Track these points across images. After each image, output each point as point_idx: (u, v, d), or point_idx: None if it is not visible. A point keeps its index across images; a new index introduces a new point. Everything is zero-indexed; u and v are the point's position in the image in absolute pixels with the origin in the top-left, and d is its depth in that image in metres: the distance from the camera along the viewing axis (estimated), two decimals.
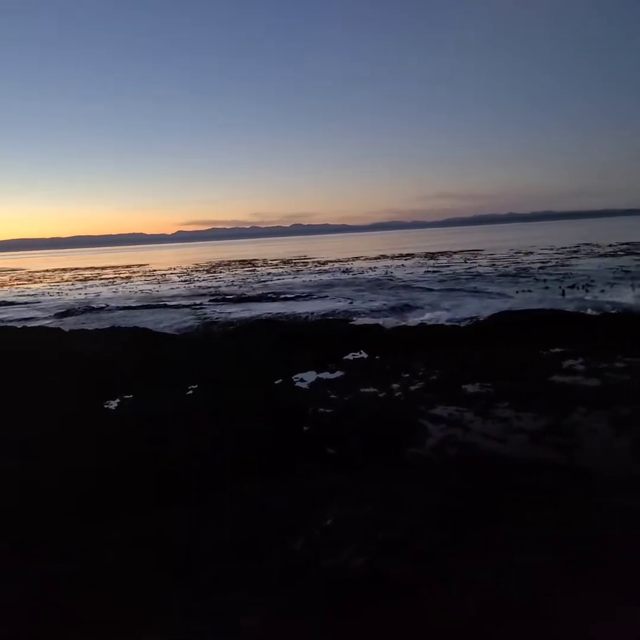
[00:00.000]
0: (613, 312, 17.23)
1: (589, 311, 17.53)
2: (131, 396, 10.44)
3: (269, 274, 46.70)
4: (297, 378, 11.68)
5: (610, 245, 53.30)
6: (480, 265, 40.23)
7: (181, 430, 8.12)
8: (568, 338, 13.43)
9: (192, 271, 55.43)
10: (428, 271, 38.41)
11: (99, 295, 34.44)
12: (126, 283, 43.46)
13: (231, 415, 8.74)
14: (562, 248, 54.69)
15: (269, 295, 28.97)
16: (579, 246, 56.12)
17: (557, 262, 38.54)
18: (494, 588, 4.22)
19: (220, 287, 36.18)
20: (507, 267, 37.27)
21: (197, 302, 27.45)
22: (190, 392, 10.71)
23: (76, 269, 74.48)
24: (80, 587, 4.57)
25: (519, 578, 4.33)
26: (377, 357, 13.21)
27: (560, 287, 25.31)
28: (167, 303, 27.54)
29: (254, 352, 14.12)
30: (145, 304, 27.64)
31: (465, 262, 45.09)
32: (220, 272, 51.63)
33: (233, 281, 40.30)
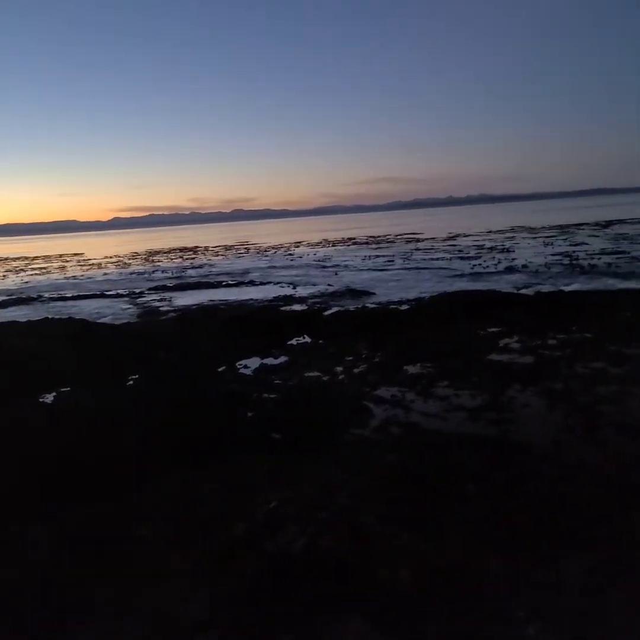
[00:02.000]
0: (545, 291, 17.94)
1: (524, 291, 18.22)
2: (68, 389, 10.08)
3: (210, 260, 46.05)
4: (241, 365, 11.59)
5: (543, 228, 55.39)
6: (420, 249, 41.00)
7: (120, 420, 7.93)
8: (504, 317, 13.90)
9: (130, 259, 53.93)
10: (370, 255, 38.84)
11: (31, 285, 33.04)
12: (60, 273, 41.79)
13: (173, 404, 8.59)
14: (498, 231, 56.41)
15: (212, 282, 28.57)
16: (513, 229, 58.06)
17: (494, 244, 39.72)
18: (427, 561, 4.36)
19: (160, 274, 35.42)
20: (447, 250, 38.11)
21: (137, 290, 26.78)
22: (131, 382, 10.46)
23: (5, 259, 71.00)
24: (4, 586, 4.41)
25: (449, 549, 4.49)
26: (320, 341, 13.27)
27: (496, 267, 26.13)
28: (105, 292, 26.74)
29: (197, 340, 13.92)
30: (82, 293, 26.73)
31: (406, 245, 45.81)
32: (160, 260, 50.51)
33: (174, 268, 39.53)
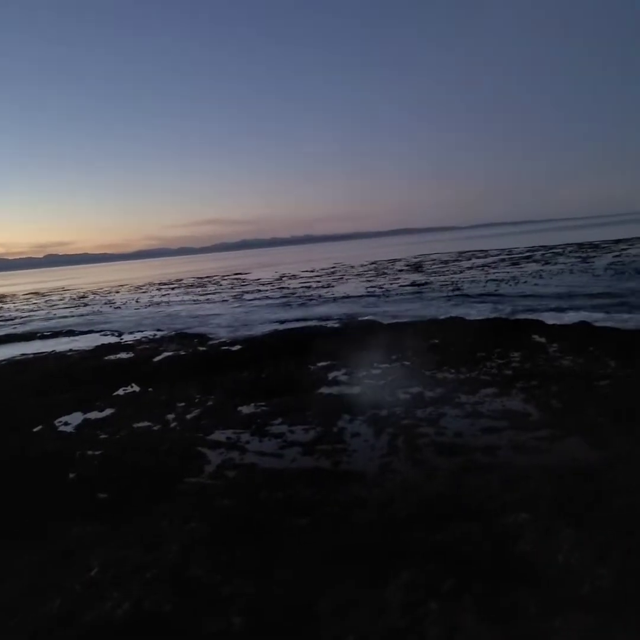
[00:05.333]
0: (368, 324, 19.16)
1: (347, 326, 19.28)
2: None
3: (20, 310, 41.96)
4: (60, 422, 10.62)
5: (361, 265, 59.54)
6: (248, 291, 41.33)
7: None
8: (332, 351, 14.51)
9: None
10: (198, 297, 38.40)
11: None
12: None
13: None
14: (321, 269, 59.35)
15: (22, 334, 26.00)
16: (335, 267, 61.56)
17: (318, 282, 41.61)
18: (258, 603, 4.31)
19: None
20: (274, 291, 39.00)
21: None
22: None
23: None
24: None
25: (280, 588, 4.47)
26: (150, 389, 12.68)
27: (319, 300, 27.42)
28: None
29: (5, 399, 12.50)
30: None
31: (235, 286, 46.13)
32: None
33: None
